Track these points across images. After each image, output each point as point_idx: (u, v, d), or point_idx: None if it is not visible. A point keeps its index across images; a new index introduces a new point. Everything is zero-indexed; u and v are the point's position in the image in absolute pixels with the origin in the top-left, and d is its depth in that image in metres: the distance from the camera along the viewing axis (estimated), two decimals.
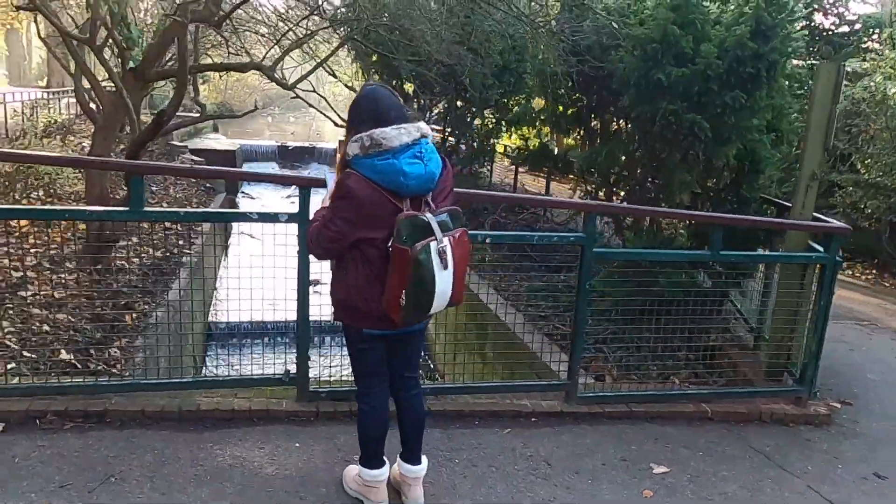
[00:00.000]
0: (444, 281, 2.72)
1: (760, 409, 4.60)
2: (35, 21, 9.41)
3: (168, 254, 10.20)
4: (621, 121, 7.73)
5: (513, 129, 11.77)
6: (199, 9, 7.26)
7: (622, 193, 7.84)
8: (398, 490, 3.28)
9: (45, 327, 6.00)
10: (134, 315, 7.35)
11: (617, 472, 3.75)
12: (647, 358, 5.67)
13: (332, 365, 7.97)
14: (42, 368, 5.19)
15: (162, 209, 3.36)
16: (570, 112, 8.07)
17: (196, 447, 3.51)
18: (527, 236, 4.61)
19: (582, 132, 8.40)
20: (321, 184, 3.61)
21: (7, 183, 10.41)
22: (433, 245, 2.68)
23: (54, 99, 22.40)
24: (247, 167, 24.96)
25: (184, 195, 14.96)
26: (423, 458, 3.30)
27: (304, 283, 4.00)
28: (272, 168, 25.88)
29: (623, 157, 7.40)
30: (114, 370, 5.97)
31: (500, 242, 8.94)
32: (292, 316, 4.22)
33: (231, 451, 3.51)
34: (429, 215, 2.71)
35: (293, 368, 4.15)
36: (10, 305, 6.28)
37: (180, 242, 11.11)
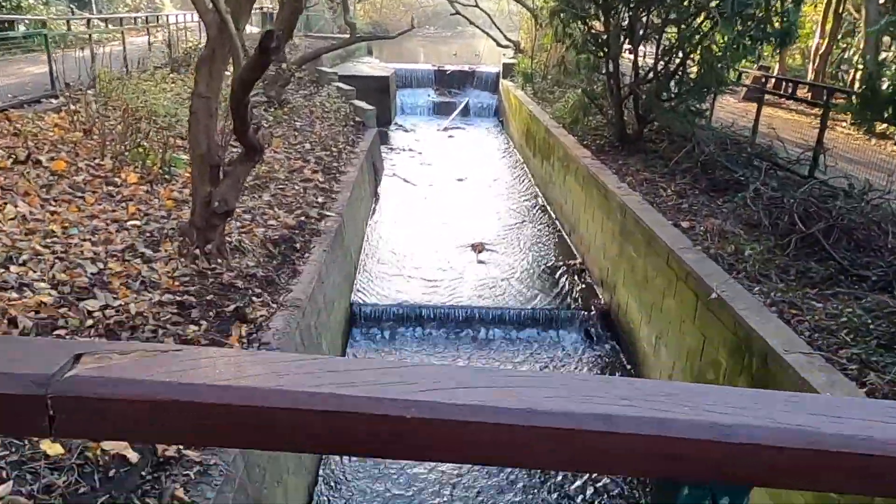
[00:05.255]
0: None
1: None
2: None
3: (303, 218, 8.08)
4: None
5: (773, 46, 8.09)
6: None
7: None
8: None
9: None
10: (243, 330, 5.21)
11: None
12: None
13: None
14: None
15: None
16: None
17: None
18: None
19: None
20: None
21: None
22: None
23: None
24: (401, 94, 22.68)
25: (330, 133, 12.88)
26: None
27: None
28: (428, 95, 23.45)
29: None
30: (191, 453, 3.80)
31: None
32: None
33: None
34: None
35: None
36: (62, 332, 4.28)
37: (319, 200, 8.98)
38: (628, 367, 7.71)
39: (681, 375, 6.21)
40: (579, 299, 9.10)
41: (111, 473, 3.27)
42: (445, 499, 5.73)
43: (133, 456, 3.42)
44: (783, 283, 5.60)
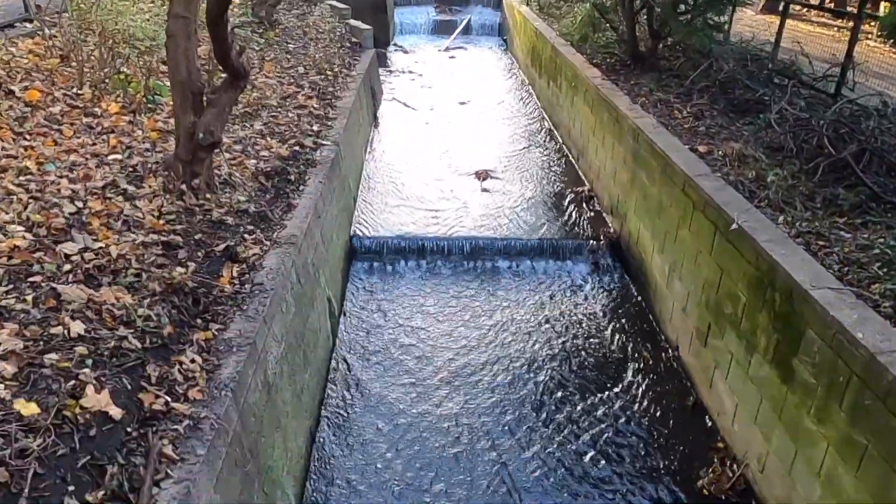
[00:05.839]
0: None
1: None
2: None
3: (298, 148, 7.65)
4: None
5: None
6: None
7: None
8: None
9: (77, 326, 3.64)
10: (234, 270, 4.92)
11: None
12: None
13: None
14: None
15: None
16: None
17: None
18: None
19: None
20: None
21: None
22: None
23: None
24: (399, 12, 21.60)
25: (325, 55, 12.20)
26: None
27: None
28: (427, 13, 22.35)
29: None
30: (180, 406, 3.57)
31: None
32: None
33: None
34: None
35: None
36: (37, 278, 3.99)
37: (314, 128, 8.50)
38: (638, 297, 7.46)
39: (696, 309, 5.95)
40: (588, 228, 8.77)
41: (92, 432, 3.03)
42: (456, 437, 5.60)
43: (116, 412, 3.18)
44: (809, 211, 5.24)
